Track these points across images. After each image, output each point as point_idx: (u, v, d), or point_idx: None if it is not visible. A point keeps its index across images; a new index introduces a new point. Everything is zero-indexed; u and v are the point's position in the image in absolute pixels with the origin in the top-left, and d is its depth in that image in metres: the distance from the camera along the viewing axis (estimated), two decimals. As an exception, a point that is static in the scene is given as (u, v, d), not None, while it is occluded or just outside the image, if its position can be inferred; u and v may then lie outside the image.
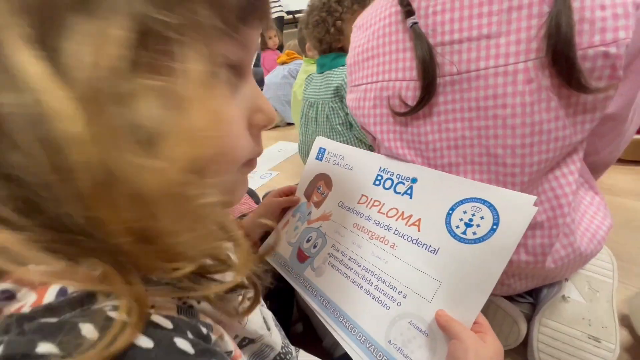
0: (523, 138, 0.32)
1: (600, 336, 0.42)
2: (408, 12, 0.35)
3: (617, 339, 0.41)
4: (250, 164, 0.22)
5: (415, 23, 0.35)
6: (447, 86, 0.35)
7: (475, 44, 0.32)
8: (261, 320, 0.28)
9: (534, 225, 0.36)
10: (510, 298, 0.50)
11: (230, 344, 0.20)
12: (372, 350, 0.34)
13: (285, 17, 3.77)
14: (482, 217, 0.32)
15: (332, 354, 0.48)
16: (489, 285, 0.30)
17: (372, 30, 0.40)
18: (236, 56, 0.17)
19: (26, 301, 0.14)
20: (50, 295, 0.14)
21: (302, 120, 1.20)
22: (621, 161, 0.87)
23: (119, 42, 0.12)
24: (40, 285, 0.14)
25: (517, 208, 0.31)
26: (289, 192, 0.55)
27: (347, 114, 1.07)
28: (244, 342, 0.26)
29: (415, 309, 0.33)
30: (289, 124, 1.92)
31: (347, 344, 0.35)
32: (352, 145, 0.78)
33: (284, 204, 0.53)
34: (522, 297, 0.52)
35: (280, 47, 3.18)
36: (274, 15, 3.46)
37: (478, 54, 0.32)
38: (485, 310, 0.48)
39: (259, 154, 0.21)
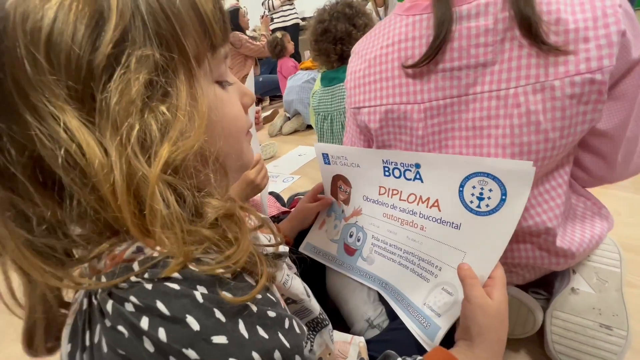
0: (512, 156, 0.37)
1: (612, 324, 0.44)
2: None
3: (629, 326, 0.44)
4: (248, 134, 0.29)
5: None
6: (448, 107, 0.39)
7: (473, 70, 0.37)
8: (302, 288, 0.34)
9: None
10: (527, 292, 0.54)
11: (277, 294, 0.26)
12: (411, 312, 0.42)
13: (300, 24, 3.85)
14: (490, 190, 0.37)
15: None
16: (503, 245, 0.35)
17: (374, 55, 0.44)
18: (217, 70, 0.24)
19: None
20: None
21: (317, 132, 1.26)
22: None
23: (138, 87, 0.18)
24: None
25: (518, 175, 0.35)
26: (318, 192, 0.61)
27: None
28: (288, 301, 0.33)
29: (447, 278, 0.40)
30: (309, 126, 1.98)
31: (400, 312, 0.44)
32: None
33: (318, 208, 0.59)
34: (539, 293, 0.55)
35: (295, 55, 3.25)
36: (289, 23, 3.54)
37: (475, 79, 0.37)
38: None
39: (250, 125, 0.29)
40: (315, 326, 0.36)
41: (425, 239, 0.43)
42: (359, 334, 0.53)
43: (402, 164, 0.45)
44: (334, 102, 1.15)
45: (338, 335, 0.42)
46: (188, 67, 0.20)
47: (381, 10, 3.60)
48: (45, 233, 0.20)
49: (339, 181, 0.55)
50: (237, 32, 2.81)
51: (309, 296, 0.35)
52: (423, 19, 0.39)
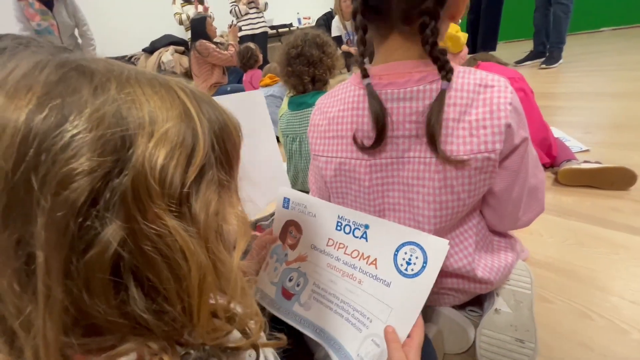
0: (435, 211, 0.46)
1: (524, 338, 0.54)
2: (364, 75, 0.46)
3: (537, 339, 0.54)
4: None
5: (369, 84, 0.45)
6: (388, 165, 0.47)
7: (407, 139, 0.45)
8: None
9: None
10: (463, 311, 0.63)
11: None
12: None
13: (269, 32, 3.88)
14: (417, 257, 0.44)
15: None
16: (419, 308, 0.42)
17: (333, 115, 0.51)
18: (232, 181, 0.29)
19: None
20: None
21: (286, 153, 1.31)
22: (565, 185, 1.02)
23: (215, 199, 0.24)
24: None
25: (437, 248, 0.43)
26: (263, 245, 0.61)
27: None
28: None
29: (376, 330, 0.44)
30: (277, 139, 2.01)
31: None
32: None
33: (264, 240, 0.59)
34: (475, 311, 0.65)
35: (265, 63, 3.27)
36: (258, 31, 3.56)
37: (409, 146, 0.45)
38: (439, 320, 0.60)
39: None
40: None
41: (360, 292, 0.48)
42: (320, 360, 0.59)
43: (354, 222, 0.50)
44: (302, 125, 1.20)
45: None
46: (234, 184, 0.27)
47: (348, 24, 3.75)
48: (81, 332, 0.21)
49: (291, 226, 0.58)
50: (205, 41, 2.78)
51: None
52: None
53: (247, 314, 0.27)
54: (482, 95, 0.42)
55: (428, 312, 0.60)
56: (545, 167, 1.11)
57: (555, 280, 0.71)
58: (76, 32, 2.68)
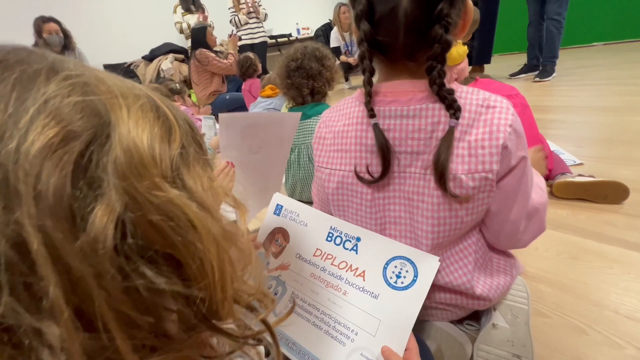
0: (433, 227, 0.46)
1: (521, 353, 0.55)
2: (371, 115, 0.46)
3: (533, 354, 0.55)
4: None
5: (377, 124, 0.46)
6: (391, 180, 0.48)
7: (409, 155, 0.46)
8: None
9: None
10: (461, 325, 0.64)
11: None
12: None
13: (268, 42, 3.93)
14: (407, 271, 0.44)
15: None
16: (412, 320, 0.42)
17: (338, 130, 0.52)
18: None
19: None
20: None
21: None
22: (560, 198, 1.04)
23: (209, 174, 0.25)
24: None
25: (428, 265, 0.44)
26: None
27: (328, 153, 1.19)
28: None
29: (364, 343, 0.44)
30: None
31: None
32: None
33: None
34: (472, 325, 0.65)
35: (264, 72, 3.30)
36: (257, 40, 3.61)
37: (411, 162, 0.46)
38: (437, 336, 0.60)
39: None
40: None
41: (345, 303, 0.47)
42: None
43: (345, 234, 0.50)
44: (300, 136, 1.22)
45: None
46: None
47: (347, 35, 3.81)
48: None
49: (278, 234, 0.57)
50: (205, 50, 2.81)
51: None
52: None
53: (260, 291, 0.26)
54: (484, 116, 0.42)
55: (425, 327, 0.60)
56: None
57: (551, 294, 0.71)
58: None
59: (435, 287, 0.51)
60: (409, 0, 0.39)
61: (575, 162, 1.25)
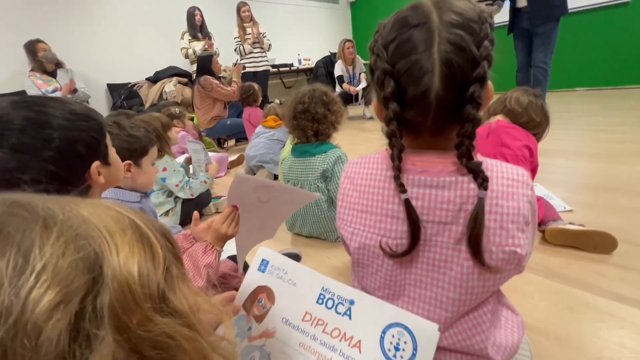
0: (460, 295, 0.47)
1: (523, 412, 0.55)
2: (402, 190, 0.47)
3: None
4: None
5: (408, 199, 0.46)
6: (418, 245, 0.48)
7: (436, 225, 0.47)
8: None
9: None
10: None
11: None
12: None
13: (270, 70, 4.07)
14: (405, 342, 0.41)
15: None
16: None
17: (364, 189, 0.52)
18: None
19: None
20: None
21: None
22: (552, 244, 1.07)
23: (187, 291, 0.26)
24: None
25: (427, 333, 0.41)
26: (230, 299, 0.52)
27: (329, 190, 1.22)
28: None
29: None
30: (275, 176, 2.05)
31: None
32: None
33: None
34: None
35: (265, 100, 3.40)
36: (261, 69, 3.73)
37: (438, 231, 0.47)
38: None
39: None
40: None
41: None
42: None
43: (338, 297, 0.47)
44: (304, 172, 1.25)
45: None
46: None
47: (350, 68, 3.99)
48: None
49: (261, 294, 0.50)
50: (209, 77, 2.90)
51: None
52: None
53: None
54: (511, 189, 0.44)
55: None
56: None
57: (548, 347, 0.72)
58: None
59: (448, 351, 0.51)
60: (441, 84, 0.40)
61: (565, 208, 1.30)
